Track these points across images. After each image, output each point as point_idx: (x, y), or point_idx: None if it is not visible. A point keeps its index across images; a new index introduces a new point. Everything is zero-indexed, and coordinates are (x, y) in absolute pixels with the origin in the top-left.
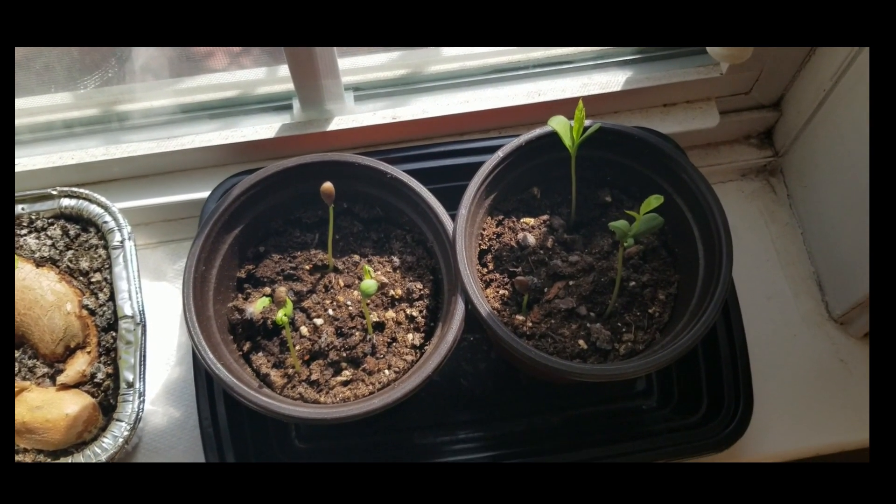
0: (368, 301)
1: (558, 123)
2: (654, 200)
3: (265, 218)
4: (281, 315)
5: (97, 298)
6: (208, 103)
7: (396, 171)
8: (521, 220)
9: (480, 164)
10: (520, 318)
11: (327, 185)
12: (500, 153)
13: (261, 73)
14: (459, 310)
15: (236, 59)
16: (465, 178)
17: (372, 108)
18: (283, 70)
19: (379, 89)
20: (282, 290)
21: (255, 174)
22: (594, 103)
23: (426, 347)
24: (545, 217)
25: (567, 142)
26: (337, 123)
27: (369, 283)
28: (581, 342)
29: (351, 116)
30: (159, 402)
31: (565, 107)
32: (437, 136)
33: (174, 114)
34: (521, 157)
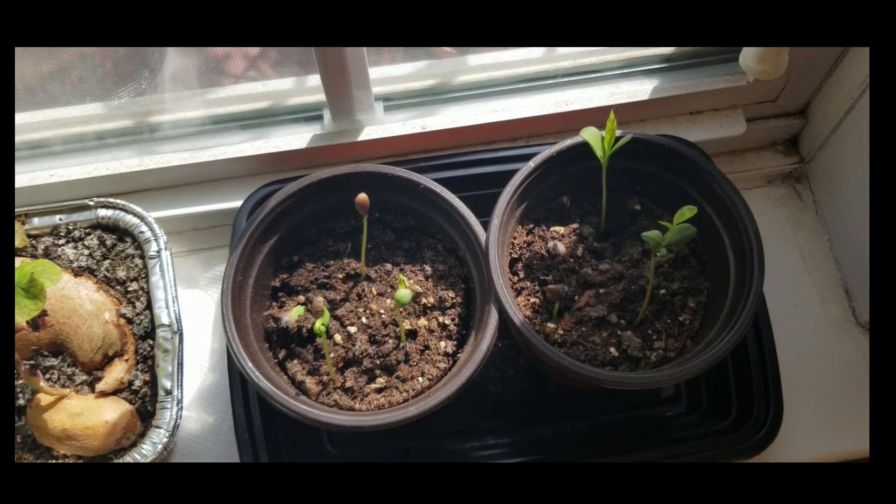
0: (401, 309)
1: (590, 135)
2: (688, 211)
3: (299, 228)
4: (319, 324)
5: (134, 307)
6: (240, 114)
7: (429, 182)
8: (552, 229)
9: (509, 172)
10: (551, 325)
11: (362, 196)
12: (531, 163)
13: (291, 83)
14: (493, 318)
15: (255, 62)
16: (495, 187)
17: (401, 118)
18: (313, 80)
19: (408, 99)
20: (319, 299)
21: (290, 185)
22: (621, 112)
23: (459, 355)
24: (575, 226)
25: (598, 152)
26: (367, 134)
27: (404, 293)
28: (612, 350)
29: (381, 127)
30: (193, 408)
31: (593, 116)
32: (465, 145)
33: (206, 125)
34: (551, 166)
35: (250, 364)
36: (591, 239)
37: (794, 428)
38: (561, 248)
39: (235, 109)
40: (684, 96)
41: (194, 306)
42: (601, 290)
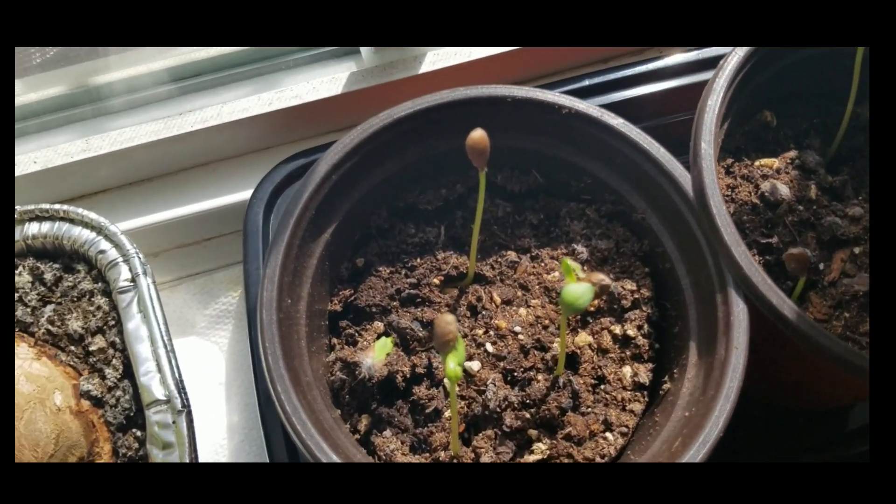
0: (557, 323)
1: None
2: None
3: (363, 210)
4: (452, 367)
5: (104, 378)
6: (230, 57)
7: (576, 102)
8: (757, 163)
9: (655, 95)
10: None
11: (477, 136)
12: (738, 53)
13: None
14: (739, 312)
15: None
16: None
17: None
18: None
19: None
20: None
21: (348, 137)
22: None
23: (665, 386)
24: (791, 154)
25: None
26: (432, 61)
27: (576, 291)
28: None
29: (453, 49)
30: None
31: None
32: (575, 65)
33: (180, 79)
34: (758, 65)
35: (326, 447)
36: (822, 171)
37: None
38: (782, 190)
39: (224, 51)
40: None
41: (192, 362)
42: (857, 250)
